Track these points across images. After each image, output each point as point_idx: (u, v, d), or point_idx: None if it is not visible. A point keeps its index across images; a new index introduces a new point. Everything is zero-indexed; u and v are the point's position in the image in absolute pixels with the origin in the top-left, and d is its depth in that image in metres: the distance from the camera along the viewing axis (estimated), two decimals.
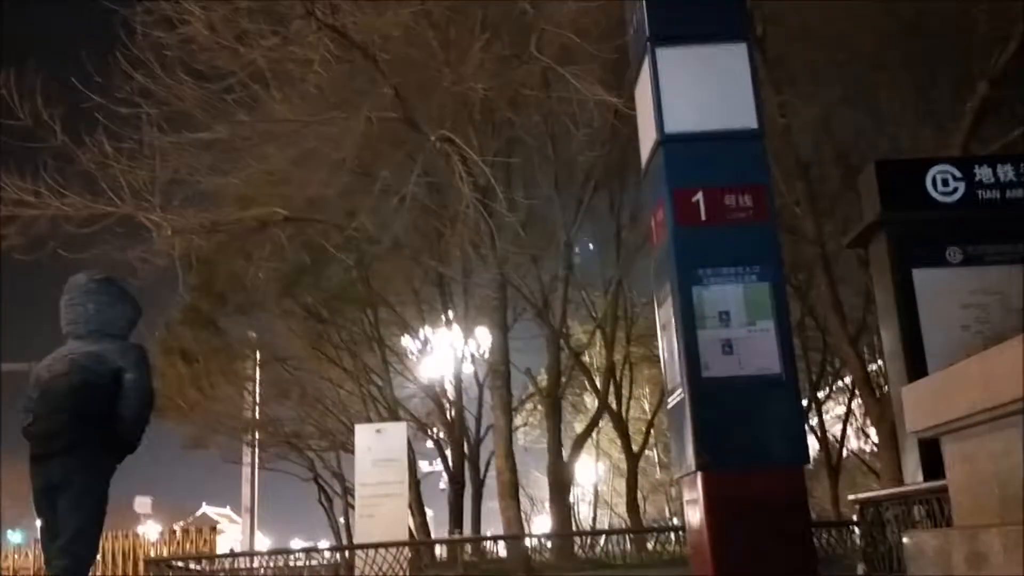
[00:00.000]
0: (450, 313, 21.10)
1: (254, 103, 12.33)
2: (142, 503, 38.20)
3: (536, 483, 44.99)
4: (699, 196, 5.20)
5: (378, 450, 11.29)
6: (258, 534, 26.53)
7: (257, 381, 19.87)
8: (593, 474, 37.69)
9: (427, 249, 17.19)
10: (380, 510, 11.00)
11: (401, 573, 10.07)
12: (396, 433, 11.70)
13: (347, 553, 10.91)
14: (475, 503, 25.24)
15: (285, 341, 18.88)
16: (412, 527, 18.45)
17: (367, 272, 17.73)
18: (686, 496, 5.12)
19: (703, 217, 5.17)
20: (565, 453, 18.50)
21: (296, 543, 21.83)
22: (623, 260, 19.61)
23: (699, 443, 4.80)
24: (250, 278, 12.61)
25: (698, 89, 5.37)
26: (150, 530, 75.63)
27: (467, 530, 25.75)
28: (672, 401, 5.24)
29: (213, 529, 13.80)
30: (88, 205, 11.40)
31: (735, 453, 4.82)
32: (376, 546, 9.89)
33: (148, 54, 11.34)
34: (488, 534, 24.10)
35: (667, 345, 5.28)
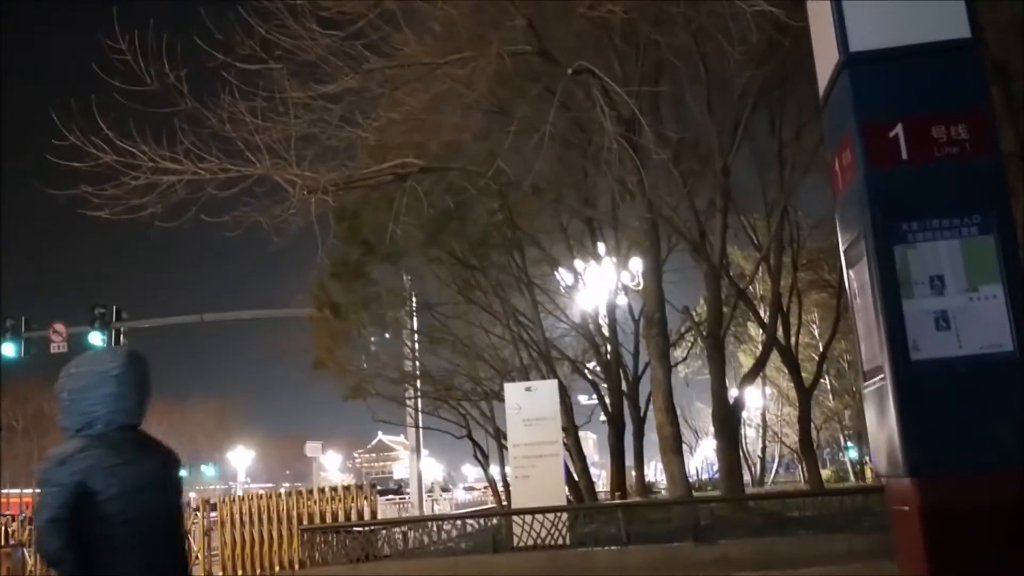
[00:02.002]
0: (600, 247, 20.29)
1: (384, 48, 11.77)
2: (312, 447, 40.09)
3: (699, 414, 44.16)
4: (898, 129, 4.14)
5: (529, 409, 10.77)
6: (431, 460, 26.98)
7: (414, 327, 19.87)
8: (759, 398, 36.27)
9: (572, 187, 16.35)
10: (535, 471, 10.52)
11: (560, 537, 9.59)
12: (547, 391, 11.13)
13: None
14: (636, 442, 24.70)
15: (434, 289, 18.68)
16: (573, 472, 18.10)
17: (512, 213, 17.12)
18: (893, 503, 4.18)
19: (905, 155, 4.11)
20: (730, 391, 17.57)
21: (467, 469, 21.94)
22: (787, 182, 18.06)
23: (909, 442, 3.86)
24: (393, 229, 12.18)
25: None
26: (331, 461, 79.70)
27: (630, 464, 25.32)
28: (870, 387, 4.27)
29: (373, 487, 13.86)
30: (224, 168, 11.21)
31: (955, 454, 3.85)
32: (532, 511, 9.43)
33: (273, 3, 10.94)
34: (654, 495, 23.55)
35: (862, 317, 4.30)
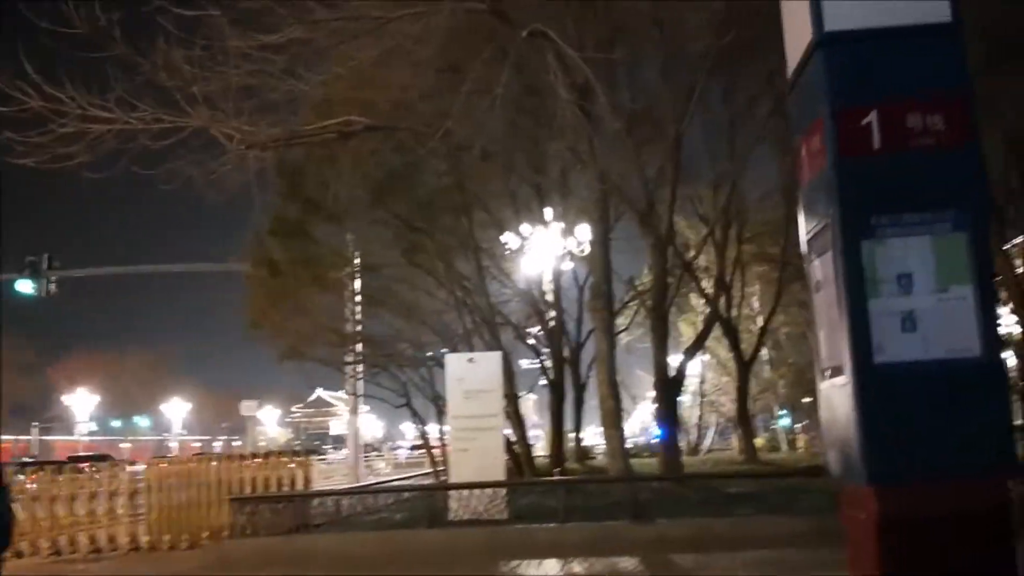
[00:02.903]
0: (548, 213, 20.02)
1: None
2: (248, 406, 39.47)
3: (638, 381, 44.46)
4: (872, 116, 3.90)
5: (471, 380, 10.51)
6: (371, 418, 26.48)
7: (356, 289, 19.40)
8: (698, 366, 36.57)
9: (523, 152, 16.01)
10: (475, 444, 10.30)
11: (497, 512, 9.40)
12: (489, 362, 10.86)
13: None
14: (576, 408, 24.75)
15: (377, 251, 18.20)
16: (513, 439, 17.96)
17: (461, 176, 16.70)
18: (848, 509, 4.01)
19: (877, 144, 3.88)
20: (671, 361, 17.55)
21: (408, 427, 21.61)
22: (737, 154, 17.99)
23: (869, 448, 3.68)
24: (336, 188, 11.71)
25: None
26: (268, 416, 78.62)
27: (569, 429, 25.35)
28: (830, 385, 4.08)
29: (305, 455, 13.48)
30: (157, 118, 10.62)
31: (917, 461, 3.67)
32: (470, 486, 9.21)
33: None
34: (591, 460, 23.61)
35: (824, 313, 4.09)
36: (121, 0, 10.28)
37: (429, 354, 16.68)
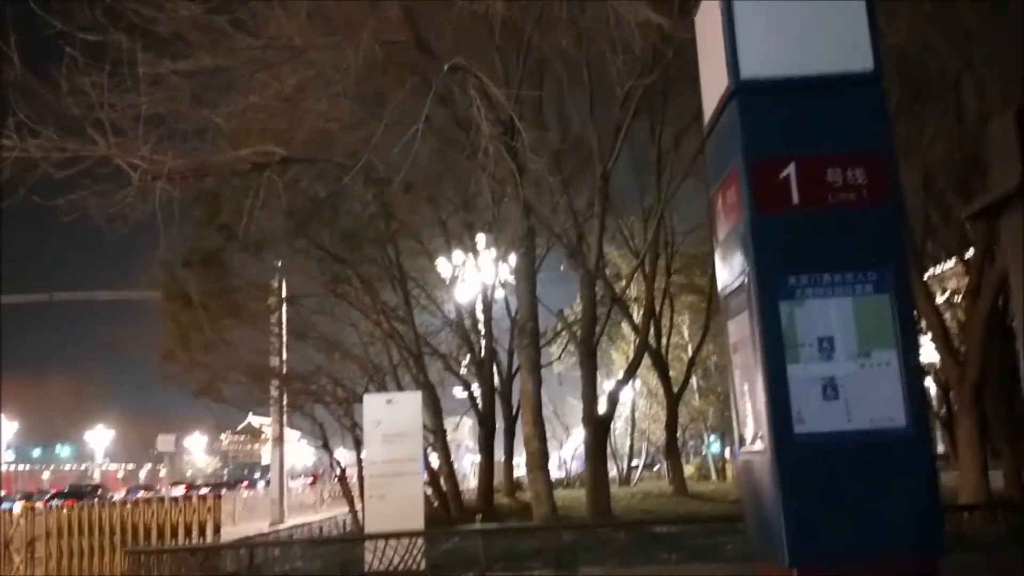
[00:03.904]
0: (479, 241, 19.72)
1: (249, 25, 10.80)
2: (164, 442, 38.17)
3: (570, 410, 44.33)
4: (790, 169, 3.70)
5: (389, 423, 10.06)
6: (302, 445, 25.49)
7: (280, 321, 18.77)
8: (629, 392, 36.57)
9: (450, 184, 15.72)
10: (391, 491, 9.84)
11: (414, 563, 8.97)
12: (409, 403, 10.44)
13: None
14: (507, 439, 24.35)
15: (299, 281, 17.65)
16: (440, 478, 17.49)
17: (387, 206, 16.29)
18: None
19: (795, 199, 3.68)
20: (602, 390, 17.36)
21: (341, 454, 21.00)
22: (665, 189, 18.00)
23: (790, 526, 3.43)
24: (255, 217, 11.21)
25: (787, 16, 3.81)
26: (196, 444, 76.37)
27: (500, 458, 24.94)
28: (749, 456, 3.83)
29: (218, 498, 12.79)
30: (61, 147, 10.02)
31: (843, 541, 3.44)
32: (386, 536, 8.76)
33: None
34: (522, 493, 23.27)
35: (742, 377, 3.85)
36: (21, 22, 9.71)
37: (345, 394, 16.11)
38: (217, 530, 11.86)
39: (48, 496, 38.94)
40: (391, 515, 9.66)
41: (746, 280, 3.69)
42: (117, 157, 10.14)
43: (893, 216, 3.69)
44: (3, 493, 45.13)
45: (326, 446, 16.55)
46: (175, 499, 12.67)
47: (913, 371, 3.53)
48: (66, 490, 44.66)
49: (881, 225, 3.65)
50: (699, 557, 9.84)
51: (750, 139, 3.73)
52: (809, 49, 3.79)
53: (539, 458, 11.80)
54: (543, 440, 12.17)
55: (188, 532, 11.89)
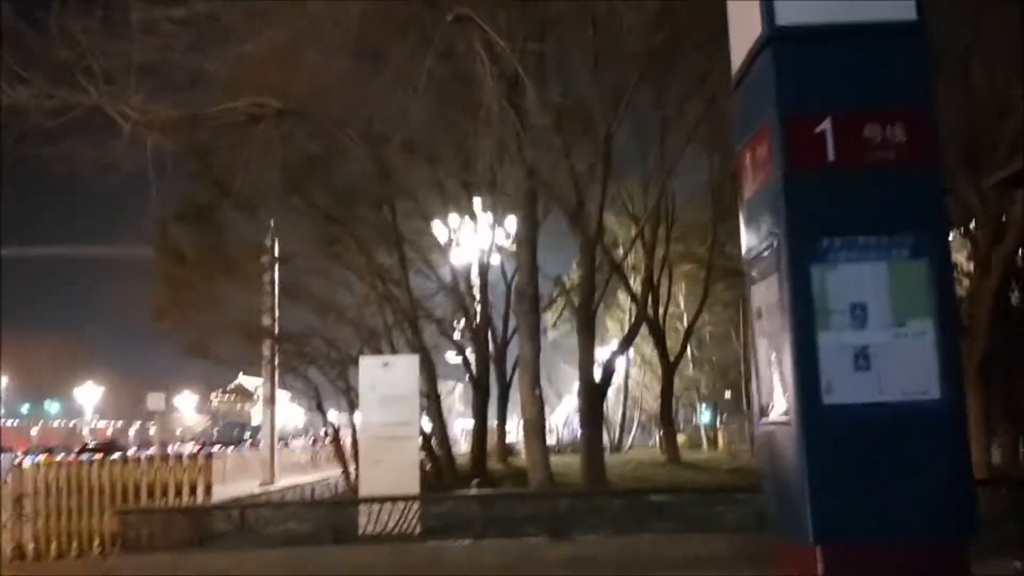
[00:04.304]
0: (477, 203, 19.44)
1: None
2: (154, 399, 37.88)
3: (564, 376, 44.33)
4: (826, 125, 3.46)
5: (385, 386, 9.86)
6: (293, 406, 25.26)
7: (273, 280, 18.47)
8: (623, 361, 36.52)
9: (450, 143, 15.39)
10: (388, 455, 9.66)
11: (409, 527, 8.84)
12: (406, 367, 10.23)
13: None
14: (500, 405, 24.26)
15: (293, 240, 17.36)
16: (434, 442, 17.35)
17: (384, 165, 15.96)
18: (785, 570, 3.56)
19: (831, 157, 3.44)
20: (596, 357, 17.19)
21: (332, 415, 20.85)
22: (668, 154, 17.72)
23: (815, 503, 3.25)
24: (249, 172, 10.93)
25: None
26: (186, 403, 76.32)
27: (493, 424, 24.88)
28: (770, 427, 3.62)
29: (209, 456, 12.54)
30: (49, 95, 9.70)
31: (870, 519, 3.25)
32: (381, 500, 8.61)
33: None
34: (514, 457, 23.19)
35: (766, 345, 3.63)
36: None
37: (338, 356, 15.89)
38: (208, 490, 11.66)
39: (79, 450, 39.21)
40: (386, 479, 9.51)
41: (775, 242, 3.45)
42: (108, 106, 9.84)
43: (933, 177, 3.45)
44: (18, 449, 45.12)
45: (320, 407, 16.37)
46: (165, 458, 12.46)
47: (949, 342, 3.33)
48: (91, 445, 45.49)
49: (920, 187, 3.41)
50: (696, 527, 9.74)
51: (784, 91, 3.47)
52: None
53: (536, 425, 11.65)
54: (540, 407, 12.02)
55: (179, 491, 11.70)
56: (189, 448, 48.58)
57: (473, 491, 10.41)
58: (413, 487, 9.47)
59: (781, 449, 3.52)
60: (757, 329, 3.76)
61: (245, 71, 10.66)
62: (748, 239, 3.82)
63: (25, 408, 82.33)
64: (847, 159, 3.42)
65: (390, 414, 9.77)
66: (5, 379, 67.90)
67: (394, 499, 8.73)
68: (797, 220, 3.39)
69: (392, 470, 9.59)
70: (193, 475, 11.92)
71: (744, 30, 3.83)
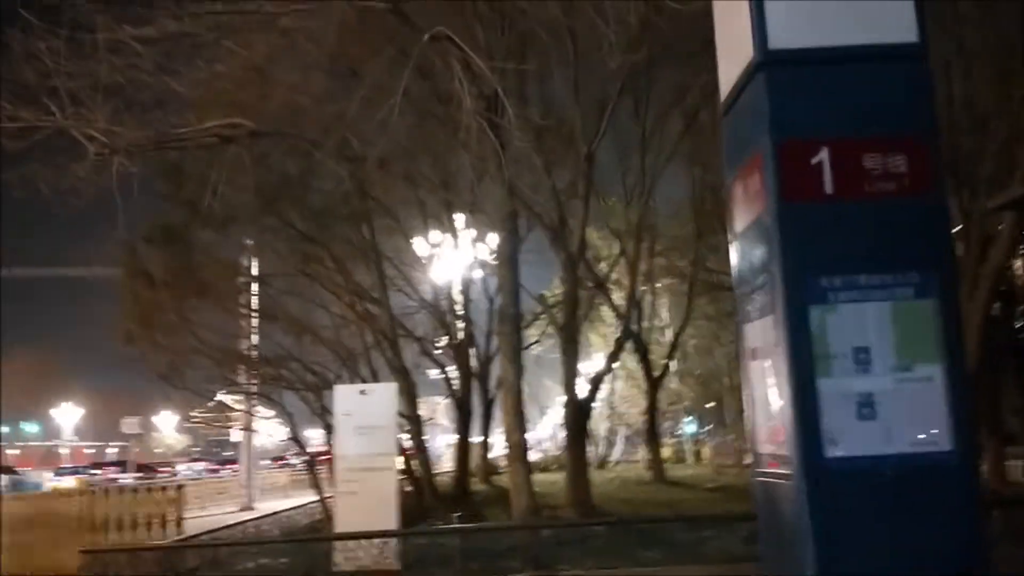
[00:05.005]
0: (458, 219, 19.16)
1: None
2: (129, 424, 37.48)
3: (547, 392, 44.04)
4: (822, 154, 3.22)
5: (361, 415, 9.55)
6: (274, 424, 24.77)
7: (247, 302, 18.07)
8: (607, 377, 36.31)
9: (429, 161, 15.13)
10: (364, 487, 9.34)
11: (386, 563, 8.52)
12: (383, 395, 9.92)
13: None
14: (484, 423, 23.96)
15: (269, 260, 17.03)
16: (415, 465, 17.02)
17: (362, 183, 15.68)
18: None
19: (828, 188, 3.19)
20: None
21: (312, 433, 20.52)
22: (649, 170, 17.57)
23: (820, 561, 3.00)
24: (210, 198, 10.60)
25: None
26: (166, 423, 75.57)
27: (477, 438, 24.51)
28: (768, 478, 3.38)
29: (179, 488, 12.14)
30: (12, 116, 9.38)
31: None
32: (357, 536, 8.29)
33: None
34: (499, 475, 22.87)
35: (760, 388, 3.39)
36: None
37: (315, 380, 15.52)
38: (179, 523, 11.30)
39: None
40: (363, 511, 9.19)
41: (770, 280, 3.21)
42: (73, 128, 9.52)
43: (938, 210, 3.22)
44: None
45: (295, 437, 16.00)
46: (135, 489, 12.08)
47: (959, 388, 3.08)
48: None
49: (924, 220, 3.18)
50: (682, 554, 9.49)
51: (777, 119, 3.24)
52: (845, 18, 3.30)
53: (519, 450, 11.38)
54: (523, 431, 11.74)
55: (149, 524, 11.34)
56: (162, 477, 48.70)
57: (453, 525, 10.10)
58: (391, 520, 9.15)
59: (780, 502, 3.26)
60: (751, 371, 3.51)
61: (216, 90, 10.38)
62: (740, 275, 3.58)
63: (4, 429, 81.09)
64: (845, 190, 3.18)
65: (367, 444, 9.45)
66: None
67: (371, 536, 8.40)
68: (793, 256, 3.14)
69: (369, 501, 9.27)
70: (163, 507, 11.58)
71: (733, 53, 3.60)
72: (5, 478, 30.36)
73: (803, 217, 3.18)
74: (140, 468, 47.76)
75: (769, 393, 3.30)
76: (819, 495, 3.02)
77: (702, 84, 13.68)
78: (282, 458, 46.82)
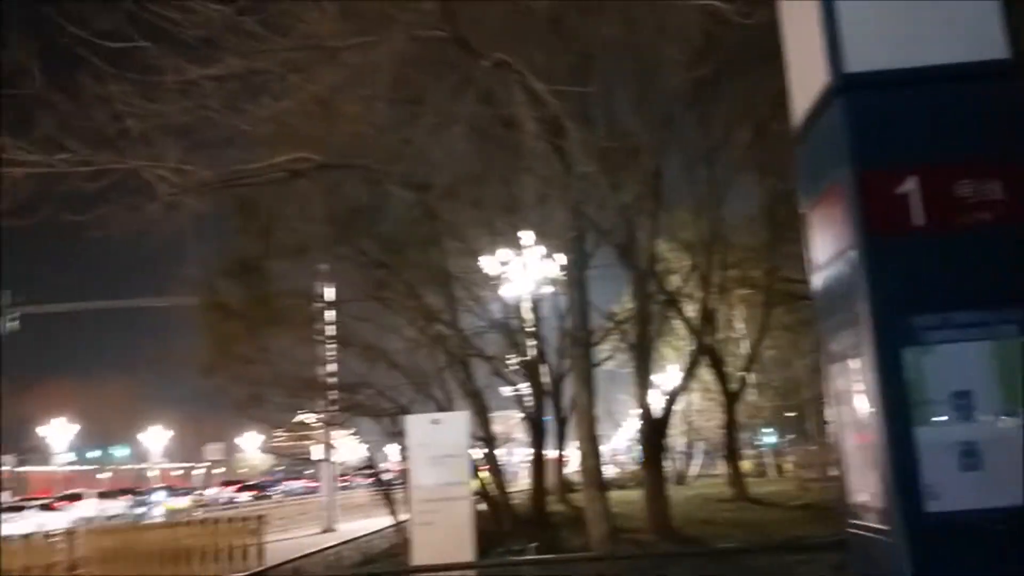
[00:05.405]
0: (526, 237, 19.05)
1: (278, 26, 10.33)
2: (213, 450, 38.54)
3: (622, 406, 43.56)
4: (909, 183, 3.01)
5: (434, 445, 9.50)
6: (353, 440, 25.01)
7: (324, 330, 18.28)
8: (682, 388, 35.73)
9: (495, 184, 15.11)
10: (439, 516, 9.29)
11: None
12: (456, 424, 9.86)
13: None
14: (558, 442, 23.76)
15: (341, 288, 17.22)
16: (487, 489, 16.94)
17: (430, 208, 15.71)
18: None
19: (917, 220, 2.97)
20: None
21: (392, 448, 20.72)
22: (717, 182, 17.23)
23: None
24: (296, 225, 10.75)
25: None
26: (250, 443, 77.36)
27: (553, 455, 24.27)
28: (863, 532, 3.15)
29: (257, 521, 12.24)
30: (85, 160, 9.64)
31: None
32: (435, 569, 8.22)
33: None
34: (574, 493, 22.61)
35: (850, 437, 3.18)
36: (40, 31, 9.34)
37: (389, 406, 15.60)
38: (260, 553, 11.43)
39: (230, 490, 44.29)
40: (439, 542, 9.11)
41: (857, 320, 3.00)
42: (144, 170, 9.74)
43: None
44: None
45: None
46: (216, 521, 12.26)
47: None
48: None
49: None
50: None
51: (859, 146, 3.03)
52: (927, 36, 3.08)
53: (594, 475, 11.16)
54: (598, 456, 11.54)
55: (231, 555, 11.49)
56: (225, 496, 50.33)
57: (530, 556, 9.95)
58: (466, 550, 9.06)
59: (877, 559, 3.04)
60: (840, 415, 3.30)
61: (283, 125, 10.51)
62: (824, 312, 3.36)
63: (97, 453, 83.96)
64: (937, 221, 2.95)
65: (440, 474, 9.39)
66: (74, 426, 69.39)
67: (448, 568, 8.32)
68: (882, 294, 2.93)
69: (445, 532, 9.20)
70: (245, 538, 11.71)
71: (807, 77, 3.40)
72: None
73: (891, 251, 2.96)
74: (250, 488, 52.80)
75: (861, 441, 3.09)
76: (919, 553, 2.79)
77: (772, 94, 13.37)
78: (361, 475, 47.97)
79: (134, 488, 46.58)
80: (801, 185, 3.58)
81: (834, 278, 3.23)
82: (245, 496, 50.22)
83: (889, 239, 2.96)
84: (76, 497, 34.76)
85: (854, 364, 3.07)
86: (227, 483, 56.71)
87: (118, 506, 31.78)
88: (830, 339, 3.31)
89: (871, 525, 3.05)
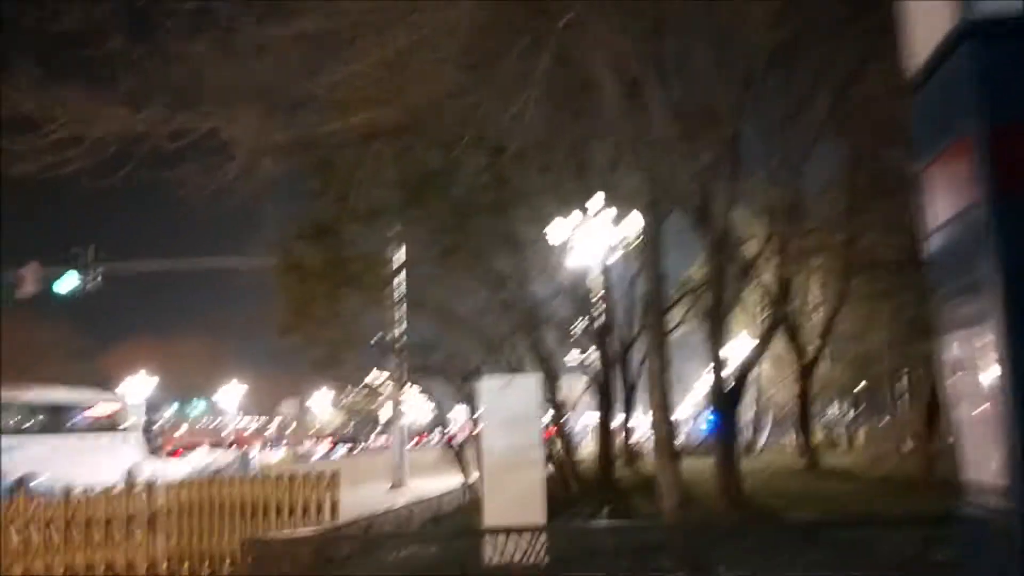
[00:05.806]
0: (596, 201, 18.78)
1: None
2: (288, 404, 39.66)
3: (692, 374, 43.09)
4: None
5: (506, 408, 9.44)
6: (422, 399, 25.30)
7: (396, 292, 18.40)
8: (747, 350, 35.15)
9: (566, 148, 14.86)
10: (511, 480, 9.25)
11: (535, 556, 8.39)
12: (527, 386, 9.78)
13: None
14: (626, 410, 23.66)
15: (413, 252, 17.26)
16: (555, 453, 16.93)
17: (501, 172, 15.56)
18: None
19: None
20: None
21: (460, 410, 20.98)
22: (796, 148, 16.68)
23: None
24: (369, 188, 10.73)
25: None
26: (322, 400, 79.03)
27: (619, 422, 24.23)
28: (979, 510, 2.95)
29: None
30: (166, 119, 9.73)
31: None
32: (507, 531, 8.20)
33: None
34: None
35: (968, 410, 2.97)
36: None
37: (460, 368, 15.69)
38: (335, 509, 11.61)
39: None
40: (511, 505, 9.10)
41: (982, 285, 2.78)
42: (223, 130, 9.81)
43: None
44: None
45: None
46: (292, 477, 12.47)
47: None
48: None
49: None
50: (849, 558, 8.88)
51: (991, 97, 2.80)
52: None
53: (667, 445, 10.98)
54: (671, 425, 11.35)
55: (306, 510, 11.70)
56: (321, 449, 51.45)
57: (603, 522, 9.88)
58: (538, 514, 9.02)
59: (993, 539, 2.84)
60: (958, 387, 3.08)
61: (353, 88, 10.44)
62: (942, 277, 3.15)
63: (174, 407, 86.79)
64: None
65: (512, 436, 9.35)
66: (153, 379, 71.59)
67: (520, 530, 8.29)
68: (1014, 257, 2.71)
69: (516, 496, 9.17)
70: (320, 493, 11.90)
71: (926, 23, 3.15)
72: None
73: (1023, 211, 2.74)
74: (345, 441, 56.65)
75: (984, 413, 2.88)
76: None
77: (855, 57, 12.83)
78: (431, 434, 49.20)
79: (220, 441, 48.33)
80: (918, 139, 3.33)
81: (957, 239, 3.00)
82: (341, 450, 52.09)
83: (1022, 198, 2.73)
84: (194, 446, 36.56)
85: (978, 332, 2.85)
86: (320, 437, 59.52)
87: (227, 457, 32.87)
88: (949, 305, 3.09)
89: (991, 504, 2.85)
